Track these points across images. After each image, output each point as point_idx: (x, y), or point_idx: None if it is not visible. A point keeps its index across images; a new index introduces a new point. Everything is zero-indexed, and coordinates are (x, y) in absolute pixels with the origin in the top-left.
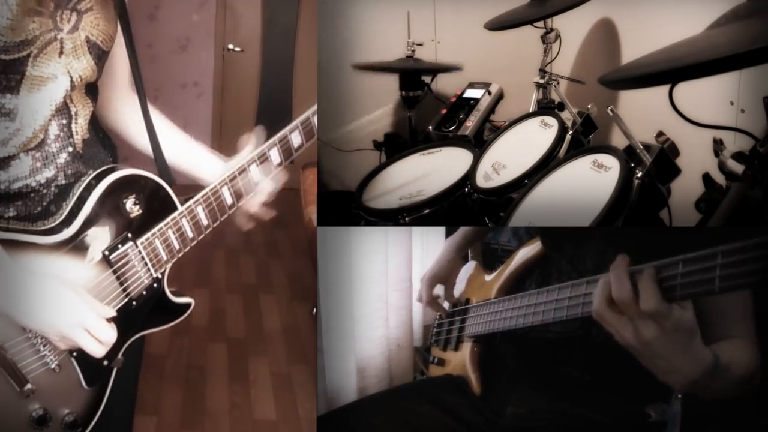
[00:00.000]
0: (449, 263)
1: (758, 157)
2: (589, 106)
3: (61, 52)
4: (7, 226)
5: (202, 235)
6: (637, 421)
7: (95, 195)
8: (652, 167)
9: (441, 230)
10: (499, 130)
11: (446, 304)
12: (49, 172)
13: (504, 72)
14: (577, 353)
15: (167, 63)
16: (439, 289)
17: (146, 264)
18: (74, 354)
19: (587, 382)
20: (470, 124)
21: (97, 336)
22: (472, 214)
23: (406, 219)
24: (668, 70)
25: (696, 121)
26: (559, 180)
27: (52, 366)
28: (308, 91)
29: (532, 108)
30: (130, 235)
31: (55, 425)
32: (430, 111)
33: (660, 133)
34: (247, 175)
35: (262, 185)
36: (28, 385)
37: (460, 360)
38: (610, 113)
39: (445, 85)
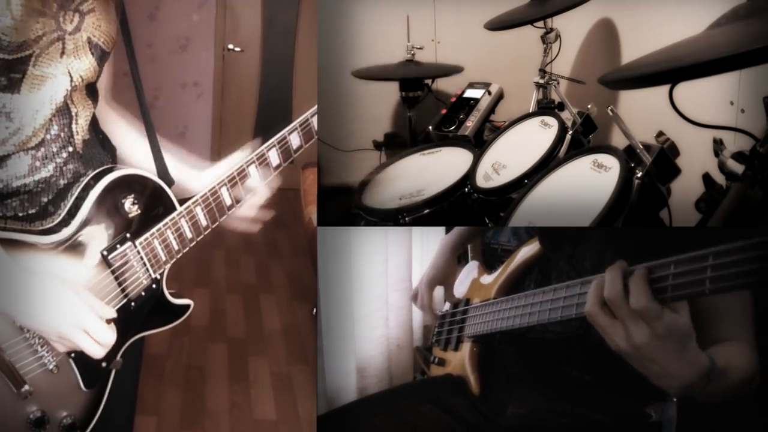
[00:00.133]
0: (445, 264)
1: (758, 157)
2: (589, 106)
3: (63, 53)
4: (5, 226)
5: (201, 236)
6: (637, 421)
7: (93, 195)
8: (652, 167)
9: (441, 230)
10: (499, 130)
11: (447, 305)
12: (48, 172)
13: (504, 72)
14: (576, 353)
15: (167, 63)
16: (438, 290)
17: (145, 265)
18: (72, 355)
19: (587, 382)
20: (470, 124)
21: (97, 337)
22: (472, 214)
23: (406, 219)
24: (668, 70)
25: (696, 121)
26: (559, 180)
27: (50, 367)
28: (308, 92)
29: (532, 108)
30: (128, 235)
31: (53, 427)
32: (430, 111)
33: (660, 133)
34: (246, 176)
35: (257, 191)
36: (26, 387)
37: (460, 360)
38: (610, 113)
39: (445, 85)
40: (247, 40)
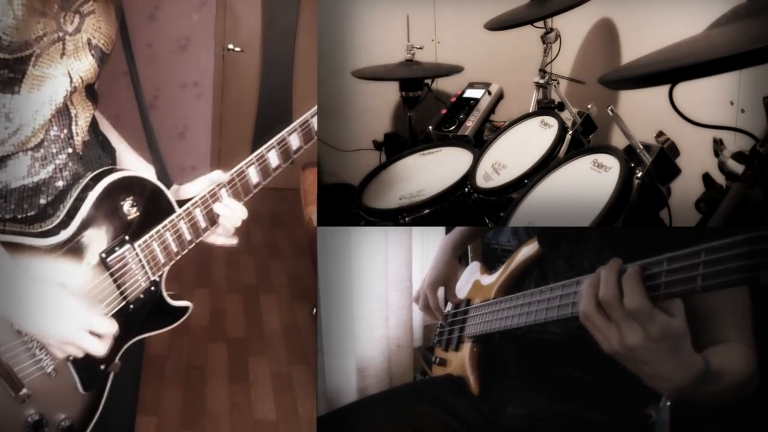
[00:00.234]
0: (447, 264)
1: (758, 157)
2: (589, 106)
3: (63, 53)
4: (3, 228)
5: (200, 238)
6: (637, 422)
7: (92, 197)
8: (652, 167)
9: (441, 230)
10: (499, 130)
11: (449, 306)
12: (47, 173)
13: (504, 72)
14: (576, 353)
15: (167, 63)
16: (441, 292)
17: (144, 267)
18: (71, 357)
19: (587, 383)
20: (470, 124)
21: (99, 330)
22: (472, 214)
23: (406, 219)
24: (668, 70)
25: (696, 121)
26: (559, 180)
27: (48, 370)
28: (308, 92)
29: (532, 108)
30: (127, 237)
31: (51, 430)
32: (430, 111)
33: (660, 133)
34: (245, 177)
35: (232, 211)
36: (24, 390)
37: (460, 360)
38: (610, 113)
39: (445, 85)
40: (247, 40)
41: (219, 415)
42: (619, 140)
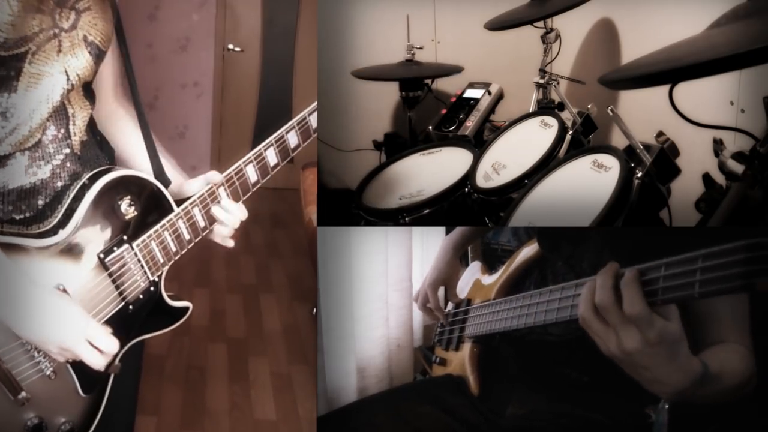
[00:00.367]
0: (448, 264)
1: (758, 157)
2: (589, 106)
3: (60, 50)
4: (1, 229)
5: (199, 237)
6: (636, 422)
7: (90, 196)
8: (652, 167)
9: (441, 230)
10: (499, 130)
11: (450, 305)
12: (45, 173)
13: (504, 72)
14: (575, 355)
15: (167, 63)
16: (441, 291)
17: (142, 267)
18: (70, 360)
19: (586, 383)
20: (470, 124)
21: (99, 346)
22: (472, 214)
23: (406, 219)
24: (668, 70)
25: (696, 121)
26: (559, 180)
27: (48, 373)
28: (308, 91)
29: (532, 108)
30: (125, 237)
31: None
32: (430, 111)
33: (660, 133)
34: (244, 176)
35: (232, 213)
36: (23, 393)
37: (461, 360)
38: (610, 113)
39: (445, 85)
40: (247, 40)
41: (219, 415)
42: (619, 140)
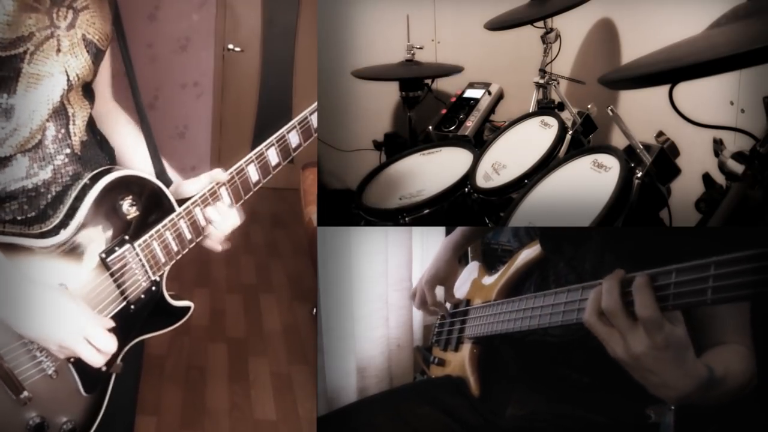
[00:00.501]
0: (447, 263)
1: (758, 157)
2: (589, 106)
3: (59, 50)
4: (3, 230)
5: (201, 237)
6: (637, 423)
7: (91, 196)
8: (652, 167)
9: (441, 230)
10: (499, 130)
11: (447, 305)
12: (46, 174)
13: (504, 72)
14: (576, 356)
15: (167, 63)
16: (439, 290)
17: (144, 267)
18: (72, 360)
19: (586, 384)
20: (470, 124)
21: (98, 345)
22: (472, 214)
23: (406, 219)
24: (668, 70)
25: (696, 121)
26: (559, 180)
27: (50, 372)
28: (308, 91)
29: (532, 108)
30: (127, 237)
31: None
32: (430, 111)
33: (660, 133)
34: (245, 175)
35: (227, 218)
36: (25, 393)
37: (460, 361)
38: (610, 113)
39: (445, 85)
40: (247, 40)
41: (219, 415)
42: (619, 140)
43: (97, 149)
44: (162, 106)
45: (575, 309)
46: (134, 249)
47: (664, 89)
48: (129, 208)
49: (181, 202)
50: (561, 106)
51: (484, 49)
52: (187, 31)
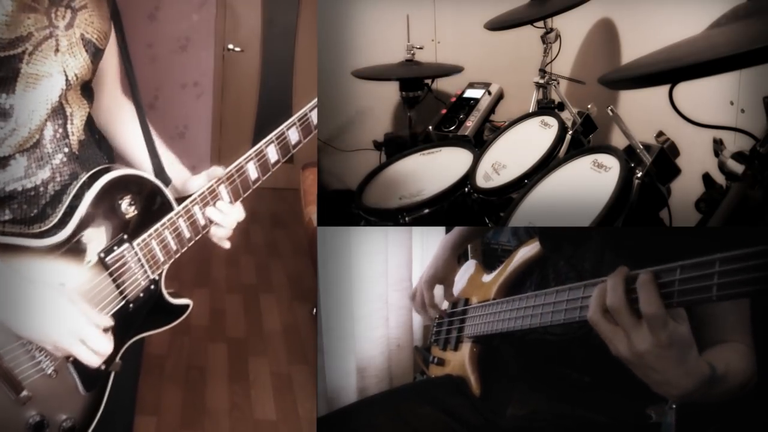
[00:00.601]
0: (446, 263)
1: (758, 157)
2: (589, 106)
3: (57, 50)
4: (2, 230)
5: (200, 236)
6: (637, 422)
7: (89, 196)
8: (652, 167)
9: (441, 230)
10: (499, 130)
11: (445, 304)
12: (44, 174)
13: (504, 72)
14: (576, 355)
15: (167, 63)
16: (438, 290)
17: (143, 266)
18: (71, 359)
19: (587, 384)
20: (470, 124)
21: (93, 347)
22: (472, 214)
23: (406, 219)
24: (668, 70)
25: (696, 121)
26: (559, 180)
27: (49, 371)
28: (308, 91)
29: (532, 108)
30: (126, 236)
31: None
32: (430, 111)
33: (660, 133)
34: (245, 173)
35: (229, 215)
36: (24, 392)
37: (460, 360)
38: (610, 113)
39: (445, 85)
40: (247, 40)
41: (219, 415)
42: (619, 140)
43: (96, 148)
44: (162, 106)
45: (577, 307)
46: (133, 248)
47: (664, 89)
48: (128, 207)
49: (183, 199)
50: (561, 106)
51: (484, 49)
52: (187, 31)
